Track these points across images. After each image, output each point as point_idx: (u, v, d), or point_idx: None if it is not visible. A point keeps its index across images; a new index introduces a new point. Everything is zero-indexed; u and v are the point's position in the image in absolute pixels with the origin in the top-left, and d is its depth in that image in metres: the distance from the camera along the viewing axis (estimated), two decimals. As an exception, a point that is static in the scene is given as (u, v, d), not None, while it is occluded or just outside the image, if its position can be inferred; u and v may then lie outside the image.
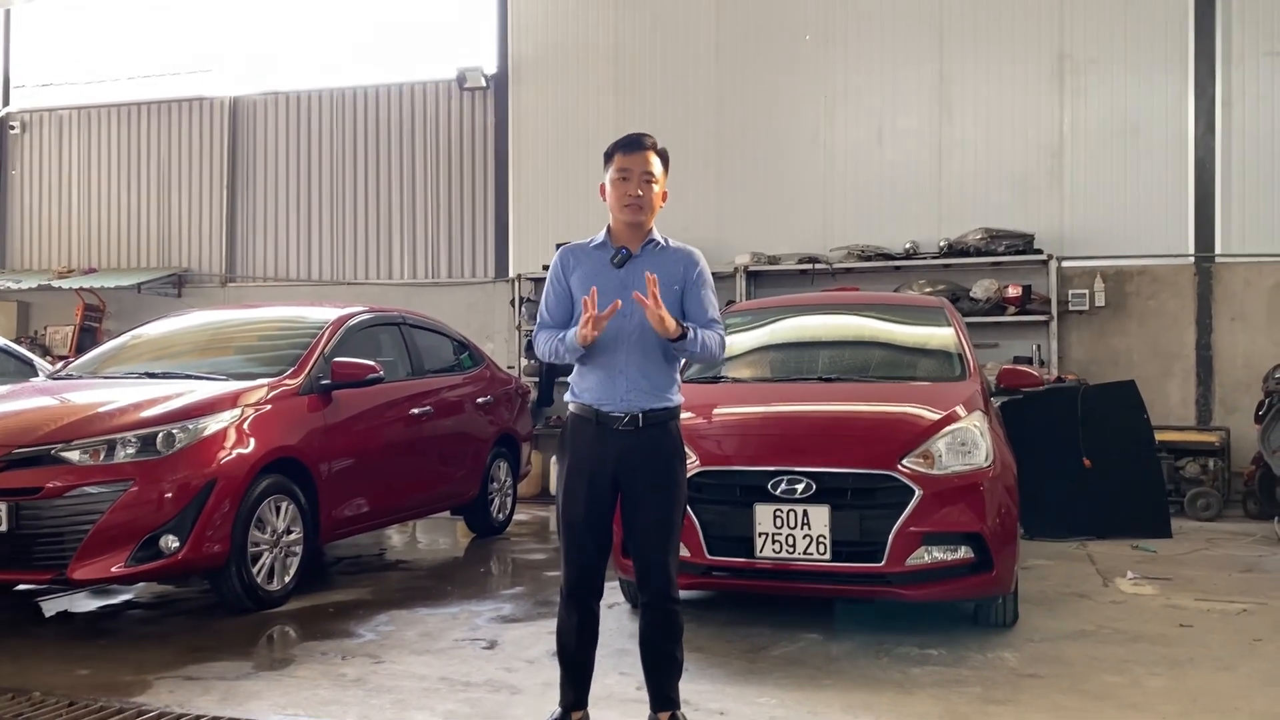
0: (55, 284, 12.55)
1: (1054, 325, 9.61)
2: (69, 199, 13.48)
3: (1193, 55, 9.67)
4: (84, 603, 5.87)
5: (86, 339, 12.31)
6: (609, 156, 3.59)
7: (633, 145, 3.55)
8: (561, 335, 3.54)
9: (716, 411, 5.29)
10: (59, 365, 6.98)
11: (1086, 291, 9.66)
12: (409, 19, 12.23)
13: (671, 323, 3.40)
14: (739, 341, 6.13)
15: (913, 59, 10.39)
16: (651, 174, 3.53)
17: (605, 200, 3.61)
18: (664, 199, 3.60)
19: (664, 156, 3.59)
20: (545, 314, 3.68)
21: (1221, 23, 9.60)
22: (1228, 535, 7.92)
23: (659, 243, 3.61)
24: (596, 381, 3.53)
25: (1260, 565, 6.81)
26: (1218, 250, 9.57)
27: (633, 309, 3.47)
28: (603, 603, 3.65)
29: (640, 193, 3.51)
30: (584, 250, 3.66)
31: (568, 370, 3.68)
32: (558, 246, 12.05)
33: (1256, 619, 5.37)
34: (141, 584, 5.78)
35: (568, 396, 3.67)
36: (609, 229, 3.65)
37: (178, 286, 12.80)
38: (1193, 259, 9.62)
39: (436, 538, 8.32)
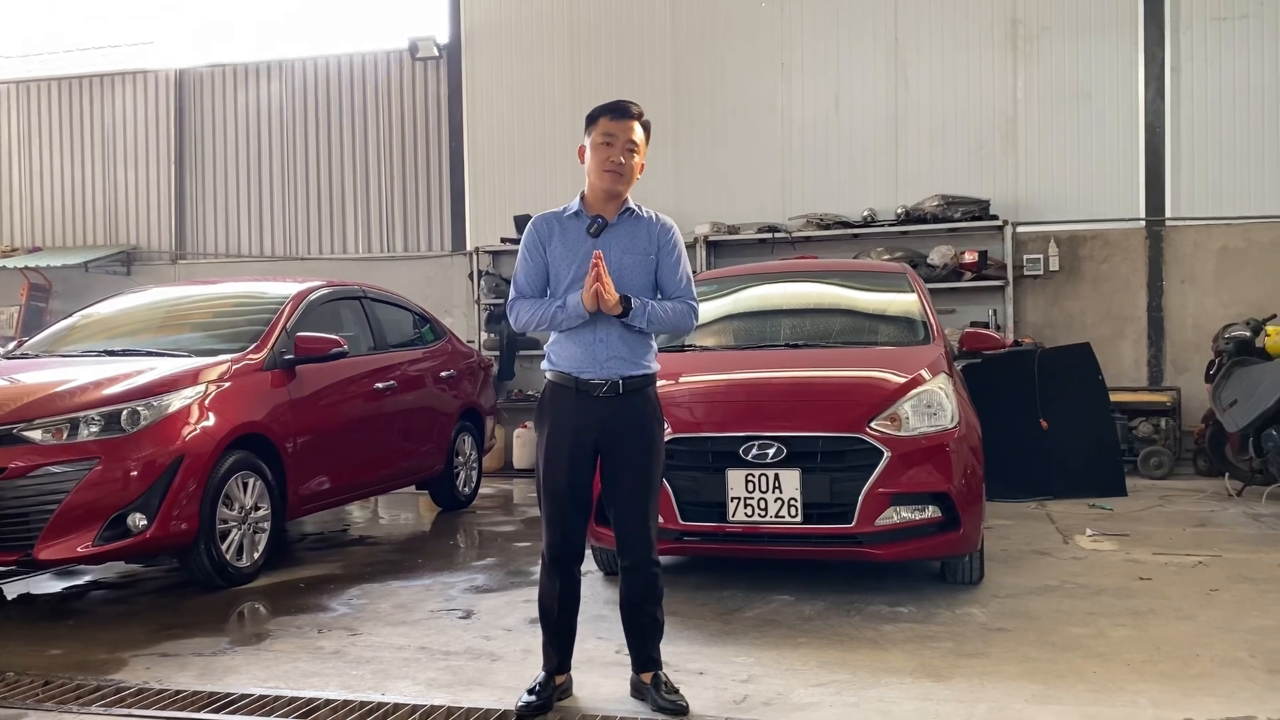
0: (-1, 263, 12.27)
1: (1009, 290, 9.75)
2: (9, 176, 13.13)
3: (1142, 21, 9.80)
4: (47, 584, 5.79)
5: (33, 319, 12.04)
6: (593, 119, 3.54)
7: (621, 112, 3.51)
8: (561, 302, 3.47)
9: (686, 379, 5.31)
10: (13, 344, 6.83)
11: (1041, 256, 9.80)
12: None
13: (613, 298, 3.38)
14: (705, 310, 6.13)
15: (868, 26, 10.42)
16: (635, 143, 3.51)
17: (583, 163, 3.57)
18: (641, 170, 3.58)
19: (648, 128, 3.58)
20: (523, 284, 3.63)
21: (1170, -11, 9.74)
22: (1180, 492, 8.13)
23: (635, 211, 3.60)
24: (576, 349, 3.52)
25: (1213, 520, 7.00)
26: (1168, 214, 9.75)
27: (613, 277, 3.47)
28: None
29: (622, 160, 3.48)
30: (558, 219, 3.61)
31: (529, 344, 3.67)
32: (516, 219, 11.78)
33: (1212, 570, 5.54)
34: (105, 564, 5.70)
35: (544, 365, 3.65)
36: (583, 196, 3.60)
37: (126, 264, 12.56)
38: (1144, 223, 9.79)
39: (399, 513, 8.28)
